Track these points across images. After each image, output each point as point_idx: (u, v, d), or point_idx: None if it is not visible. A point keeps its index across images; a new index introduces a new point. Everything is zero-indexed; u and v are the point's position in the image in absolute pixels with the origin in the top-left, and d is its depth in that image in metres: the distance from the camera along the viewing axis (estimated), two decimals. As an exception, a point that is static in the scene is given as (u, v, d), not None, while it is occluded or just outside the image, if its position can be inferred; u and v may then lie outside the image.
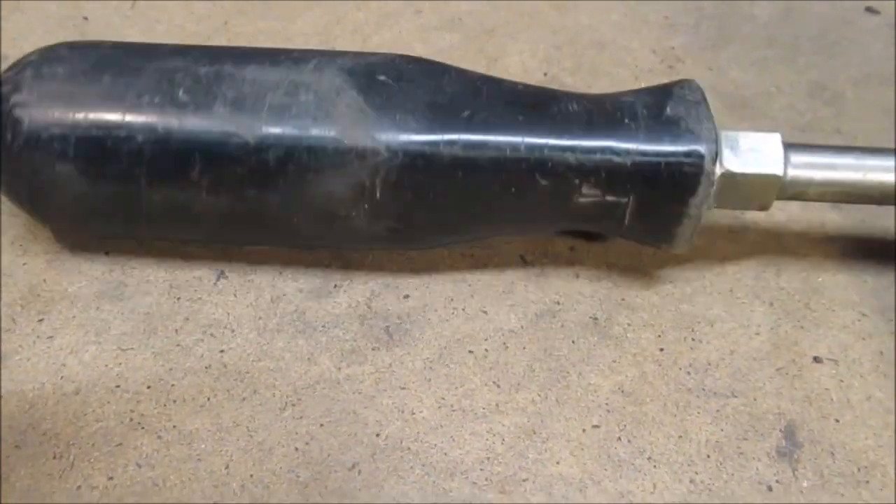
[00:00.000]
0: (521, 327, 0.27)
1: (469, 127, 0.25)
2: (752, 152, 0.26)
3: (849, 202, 0.27)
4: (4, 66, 0.29)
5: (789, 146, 0.26)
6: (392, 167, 0.25)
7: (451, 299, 0.28)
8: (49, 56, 0.26)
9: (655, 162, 0.25)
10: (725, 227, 0.30)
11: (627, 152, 0.25)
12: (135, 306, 0.27)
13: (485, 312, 0.28)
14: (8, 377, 0.25)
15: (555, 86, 0.34)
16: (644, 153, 0.25)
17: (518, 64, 0.36)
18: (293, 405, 0.25)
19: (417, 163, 0.25)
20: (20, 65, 0.26)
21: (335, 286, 0.28)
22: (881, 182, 0.26)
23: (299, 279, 0.28)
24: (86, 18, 0.36)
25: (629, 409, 0.25)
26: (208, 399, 0.25)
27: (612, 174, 0.25)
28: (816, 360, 0.27)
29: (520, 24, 0.37)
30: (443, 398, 0.26)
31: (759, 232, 0.30)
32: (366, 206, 0.25)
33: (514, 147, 0.25)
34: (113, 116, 0.25)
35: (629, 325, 0.27)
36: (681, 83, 0.26)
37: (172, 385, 0.25)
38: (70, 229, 0.28)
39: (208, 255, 0.29)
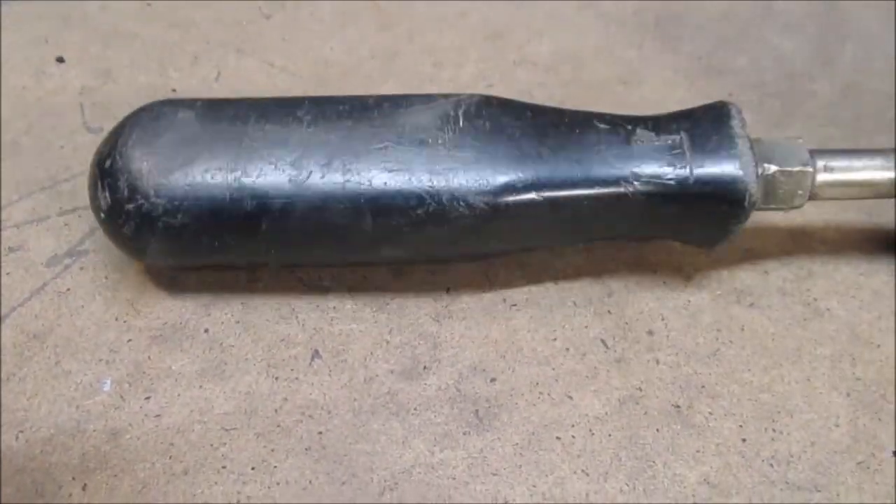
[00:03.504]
0: (606, 413, 0.28)
1: None
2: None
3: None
4: (91, 138, 0.31)
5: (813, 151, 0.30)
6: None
7: (537, 384, 0.29)
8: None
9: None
10: (798, 312, 0.31)
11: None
12: (235, 385, 0.28)
13: (570, 398, 0.29)
14: (120, 456, 0.27)
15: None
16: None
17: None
18: (391, 489, 0.26)
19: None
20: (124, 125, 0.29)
21: (424, 368, 0.29)
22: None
23: (390, 360, 0.29)
24: (174, 90, 0.38)
25: (716, 502, 0.26)
26: (310, 482, 0.26)
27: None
28: (896, 454, 0.27)
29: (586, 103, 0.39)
30: (534, 485, 0.26)
31: (831, 317, 0.31)
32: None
33: None
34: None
35: (710, 413, 0.28)
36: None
37: (275, 467, 0.27)
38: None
39: (302, 334, 0.30)
